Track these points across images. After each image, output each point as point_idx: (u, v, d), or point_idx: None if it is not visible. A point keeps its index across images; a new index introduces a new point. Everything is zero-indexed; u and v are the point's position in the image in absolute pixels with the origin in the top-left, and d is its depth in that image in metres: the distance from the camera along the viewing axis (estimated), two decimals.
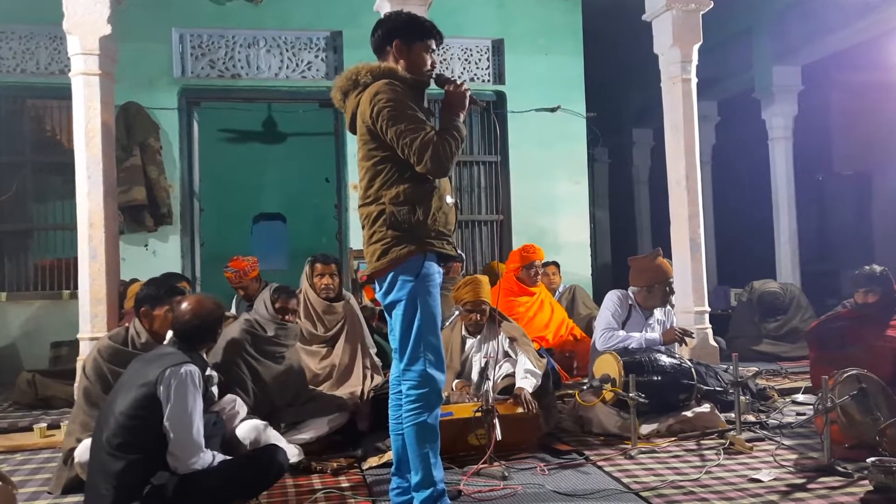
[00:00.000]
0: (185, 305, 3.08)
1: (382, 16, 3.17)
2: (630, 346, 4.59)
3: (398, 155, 2.90)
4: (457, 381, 4.40)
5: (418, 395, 2.92)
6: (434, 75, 3.10)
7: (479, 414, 3.72)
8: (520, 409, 3.98)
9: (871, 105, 9.75)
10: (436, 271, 3.00)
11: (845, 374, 3.76)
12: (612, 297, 4.88)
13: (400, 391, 3.02)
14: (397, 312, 2.97)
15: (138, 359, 3.07)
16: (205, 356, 3.14)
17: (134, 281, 5.70)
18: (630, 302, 4.85)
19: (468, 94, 3.06)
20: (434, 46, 3.09)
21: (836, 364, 3.97)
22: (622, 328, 4.77)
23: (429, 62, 3.07)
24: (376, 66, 3.00)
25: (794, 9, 8.51)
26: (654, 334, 4.73)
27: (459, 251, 3.11)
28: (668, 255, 6.34)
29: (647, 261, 4.91)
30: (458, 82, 3.07)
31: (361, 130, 2.98)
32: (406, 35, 3.04)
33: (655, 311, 4.90)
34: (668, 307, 5.02)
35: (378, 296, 3.09)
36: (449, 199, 3.05)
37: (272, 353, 4.12)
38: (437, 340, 2.97)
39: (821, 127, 10.14)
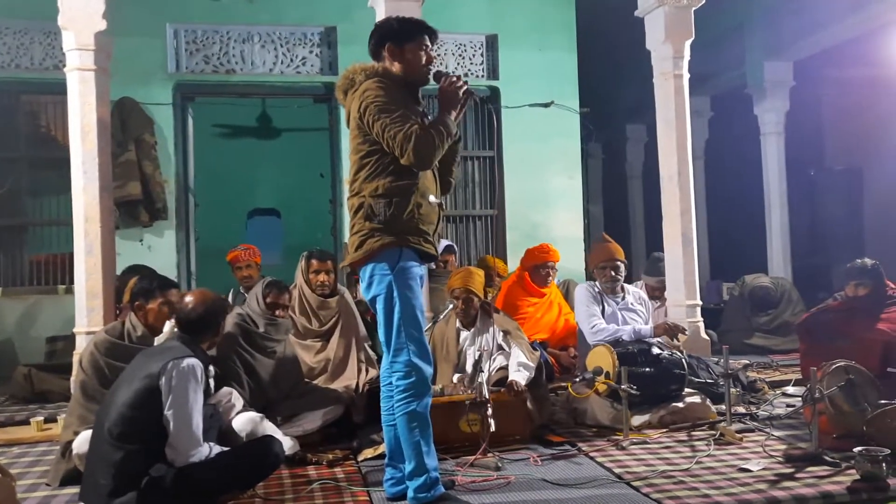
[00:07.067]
0: (189, 298, 3.14)
1: (376, 20, 3.23)
2: (622, 339, 4.64)
3: (383, 149, 2.97)
4: (458, 374, 4.44)
5: (407, 384, 2.99)
6: (432, 72, 3.15)
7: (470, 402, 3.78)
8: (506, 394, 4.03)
9: (863, 100, 9.79)
10: (414, 265, 3.05)
11: (833, 366, 3.82)
12: (581, 292, 4.94)
13: (390, 383, 3.07)
14: (378, 307, 3.05)
15: (143, 352, 3.12)
16: (207, 351, 3.18)
17: (131, 271, 5.68)
18: (598, 290, 4.91)
19: (462, 89, 3.09)
20: (428, 42, 3.13)
21: (826, 356, 4.01)
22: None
23: (424, 59, 3.11)
24: (371, 65, 3.09)
25: (785, 4, 8.53)
26: (646, 326, 4.77)
27: (450, 242, 3.18)
28: (661, 249, 6.40)
29: (596, 245, 5.10)
30: (454, 78, 3.11)
31: (352, 125, 3.06)
32: (396, 38, 3.10)
33: (627, 297, 4.95)
34: (642, 293, 5.12)
35: (362, 290, 3.15)
36: (432, 199, 3.10)
37: (263, 348, 4.16)
38: (418, 332, 3.03)
39: (812, 122, 10.18)
